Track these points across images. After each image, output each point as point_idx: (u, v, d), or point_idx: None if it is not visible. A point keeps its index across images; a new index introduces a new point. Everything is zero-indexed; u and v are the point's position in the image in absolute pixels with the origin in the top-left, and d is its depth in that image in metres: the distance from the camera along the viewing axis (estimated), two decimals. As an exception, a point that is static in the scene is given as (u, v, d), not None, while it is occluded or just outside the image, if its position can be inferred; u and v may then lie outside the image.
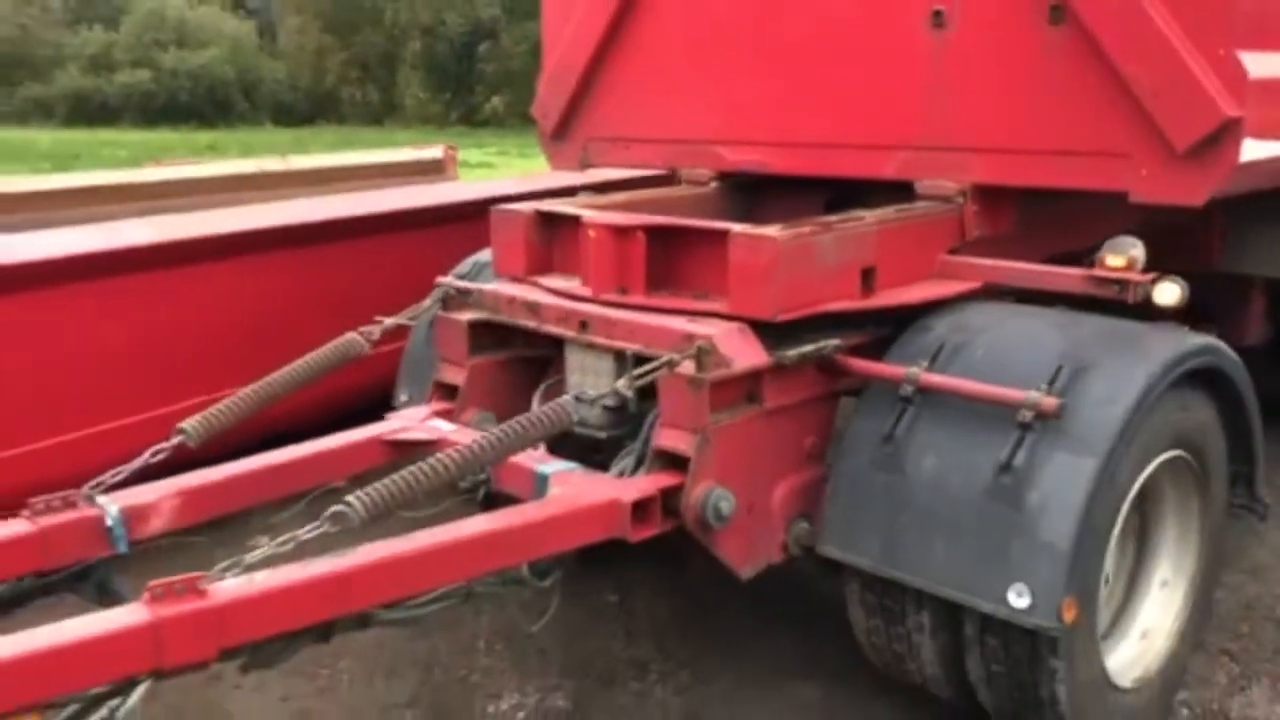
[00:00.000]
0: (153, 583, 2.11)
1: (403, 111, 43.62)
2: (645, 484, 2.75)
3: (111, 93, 39.41)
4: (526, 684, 3.34)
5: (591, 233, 3.14)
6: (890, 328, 3.12)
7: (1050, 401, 2.60)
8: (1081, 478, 2.55)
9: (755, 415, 2.87)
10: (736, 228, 2.95)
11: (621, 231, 3.11)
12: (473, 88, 43.58)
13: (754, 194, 4.26)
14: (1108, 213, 3.78)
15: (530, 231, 3.43)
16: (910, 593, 2.82)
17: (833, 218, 3.17)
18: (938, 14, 3.46)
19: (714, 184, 4.31)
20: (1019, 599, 2.54)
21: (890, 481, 2.80)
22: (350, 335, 3.22)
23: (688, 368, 2.76)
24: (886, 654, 3.00)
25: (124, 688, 2.16)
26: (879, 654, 3.03)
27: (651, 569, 3.99)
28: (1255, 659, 3.44)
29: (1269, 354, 5.18)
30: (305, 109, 43.10)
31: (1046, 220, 3.80)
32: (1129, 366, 2.70)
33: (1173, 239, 4.93)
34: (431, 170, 7.84)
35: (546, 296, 3.26)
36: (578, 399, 2.66)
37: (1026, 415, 2.62)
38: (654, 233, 3.11)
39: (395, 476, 2.40)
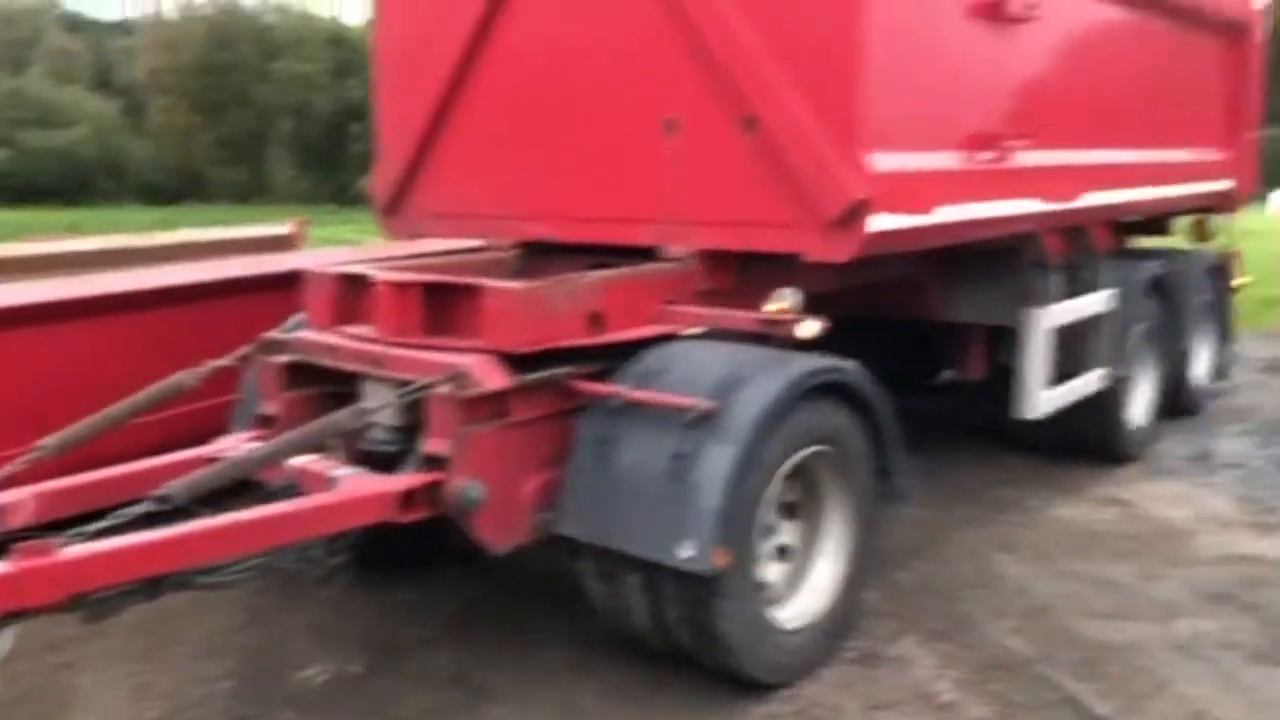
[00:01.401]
0: (17, 545, 2.84)
1: (272, 190, 44.06)
2: (413, 479, 3.57)
3: (-32, 172, 39.03)
4: (329, 659, 4.08)
5: (379, 289, 3.99)
6: (618, 359, 4.02)
7: (708, 405, 3.53)
8: (727, 459, 3.47)
9: (503, 426, 3.72)
10: (489, 282, 3.84)
11: (402, 287, 3.96)
12: (343, 166, 44.24)
13: (542, 257, 5.15)
14: (817, 272, 4.82)
15: (334, 290, 4.26)
16: (623, 559, 3.67)
17: (570, 275, 4.09)
18: (670, 122, 4.46)
19: (514, 250, 5.23)
20: (685, 551, 3.43)
21: (604, 473, 3.68)
22: (182, 373, 3.99)
23: (447, 389, 3.61)
24: (612, 613, 3.86)
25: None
26: (608, 615, 3.88)
27: (445, 575, 4.76)
28: (916, 619, 4.37)
29: (991, 385, 6.26)
30: (172, 188, 43.19)
31: (771, 277, 4.75)
32: (769, 379, 3.65)
33: (902, 295, 6.09)
34: (281, 245, 8.57)
35: (345, 341, 4.09)
36: (359, 410, 3.49)
37: (693, 416, 3.54)
38: (428, 288, 3.96)
39: (211, 467, 3.18)
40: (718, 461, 3.48)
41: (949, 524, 5.44)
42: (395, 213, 5.59)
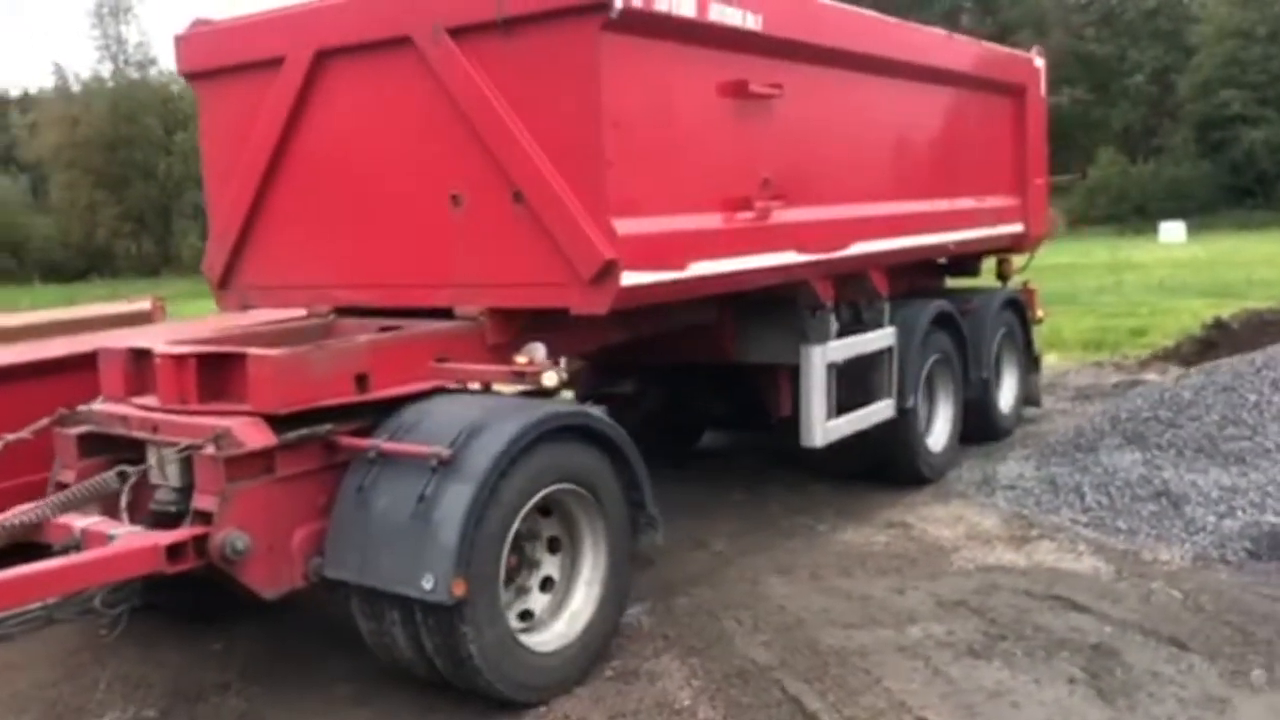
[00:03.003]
0: None
1: (180, 262, 43.86)
2: (181, 533, 3.93)
3: None
4: (128, 705, 4.39)
5: (157, 361, 4.37)
6: (386, 415, 4.42)
7: (445, 451, 3.95)
8: (463, 498, 3.89)
9: (270, 481, 4.10)
10: (253, 351, 4.23)
11: (178, 359, 4.34)
12: (250, 236, 44.14)
13: (352, 322, 5.49)
14: (606, 324, 5.31)
15: (125, 364, 4.62)
16: (385, 596, 4.06)
17: (335, 340, 4.52)
18: (455, 197, 4.93)
19: (332, 316, 5.62)
20: (427, 584, 3.83)
21: (362, 518, 4.08)
22: (-22, 446, 4.32)
23: (211, 449, 3.99)
24: (381, 648, 4.23)
25: None
26: (378, 649, 4.26)
27: (252, 623, 5.08)
28: (680, 638, 4.79)
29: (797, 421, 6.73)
30: (78, 265, 42.83)
31: (557, 330, 5.17)
32: (507, 425, 4.08)
33: (700, 340, 6.59)
34: (139, 320, 8.82)
35: (133, 410, 4.45)
36: (121, 471, 3.85)
37: (434, 462, 3.96)
38: (203, 358, 4.35)
39: (-25, 530, 3.52)
40: (455, 500, 3.90)
41: (739, 551, 5.90)
42: (226, 287, 6.00)
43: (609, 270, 4.58)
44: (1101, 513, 5.96)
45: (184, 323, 9.31)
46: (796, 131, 5.81)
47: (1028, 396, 8.91)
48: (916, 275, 8.14)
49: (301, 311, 6.02)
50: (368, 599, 4.13)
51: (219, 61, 5.79)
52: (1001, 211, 8.28)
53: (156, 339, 5.21)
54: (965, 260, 8.82)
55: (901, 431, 6.96)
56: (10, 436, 4.45)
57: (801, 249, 5.85)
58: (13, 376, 5.52)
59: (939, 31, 7.37)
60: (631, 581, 4.70)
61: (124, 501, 4.24)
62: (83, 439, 4.51)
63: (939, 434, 7.50)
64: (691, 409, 7.97)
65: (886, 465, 7.14)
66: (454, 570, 3.82)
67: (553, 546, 4.53)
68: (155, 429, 4.31)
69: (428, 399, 4.45)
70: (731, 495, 7.00)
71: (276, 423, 4.14)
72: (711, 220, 5.25)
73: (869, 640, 4.65)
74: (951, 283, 8.89)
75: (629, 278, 4.65)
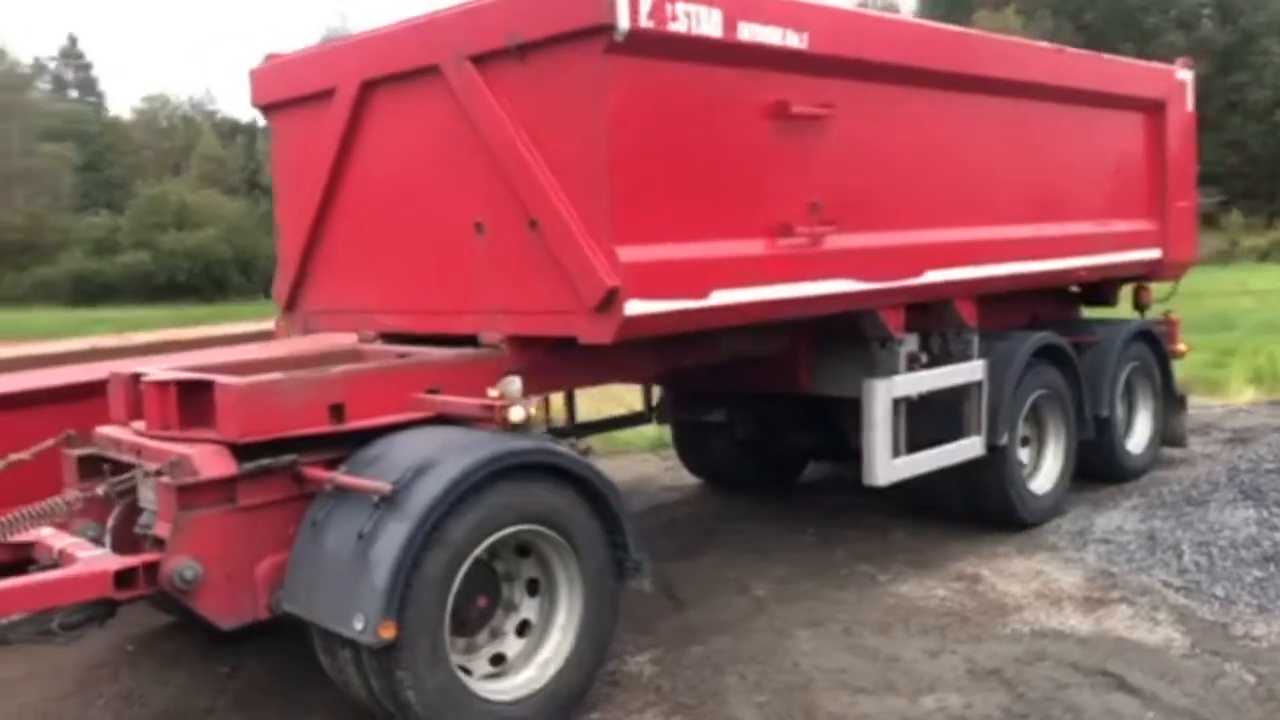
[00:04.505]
0: None
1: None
2: (132, 559, 3.92)
3: (113, 274, 42.04)
4: (120, 727, 4.45)
5: (143, 387, 4.41)
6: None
7: (386, 487, 3.79)
8: (399, 537, 3.72)
9: (229, 510, 4.05)
10: (221, 378, 4.20)
11: (161, 385, 4.36)
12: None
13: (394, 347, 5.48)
14: (632, 353, 5.10)
15: (128, 388, 4.69)
16: (331, 633, 3.93)
17: (309, 370, 4.44)
18: (479, 225, 4.83)
19: (378, 341, 5.62)
20: (358, 624, 3.68)
21: (313, 552, 3.97)
22: (-12, 464, 4.47)
23: (167, 477, 3.97)
24: (340, 684, 4.11)
25: None
26: (339, 685, 4.14)
27: (268, 648, 5.05)
28: (673, 692, 4.46)
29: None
30: (299, 281, 45.57)
31: (583, 357, 4.96)
32: (457, 462, 3.89)
33: (775, 369, 6.27)
34: (260, 339, 9.15)
35: (127, 434, 4.51)
36: (70, 497, 3.88)
37: (376, 498, 3.81)
38: (183, 384, 4.35)
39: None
40: (391, 539, 3.73)
41: (780, 599, 5.50)
42: (291, 311, 6.13)
43: (613, 298, 4.36)
44: (1198, 575, 5.23)
45: (283, 342, 9.60)
46: (854, 153, 5.40)
47: (1169, 437, 8.04)
48: (1040, 304, 7.50)
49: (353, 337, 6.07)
50: (323, 635, 4.02)
51: (284, 94, 5.91)
52: (1133, 236, 7.50)
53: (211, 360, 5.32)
54: (1101, 288, 8.06)
55: (994, 471, 6.37)
56: (13, 456, 4.59)
57: (861, 276, 5.42)
58: (65, 397, 5.77)
59: (1044, 45, 6.73)
60: (613, 631, 4.40)
61: (110, 523, 4.33)
62: (82, 460, 4.61)
63: (1046, 476, 6.84)
64: (780, 439, 7.58)
65: (979, 506, 6.56)
66: (383, 612, 3.65)
67: (533, 589, 4.31)
68: (139, 453, 4.35)
69: (397, 431, 4.31)
70: (800, 536, 6.58)
71: (247, 451, 4.10)
72: (743, 247, 4.91)
73: (873, 709, 4.20)
74: (1086, 313, 8.16)
75: (635, 306, 4.42)
